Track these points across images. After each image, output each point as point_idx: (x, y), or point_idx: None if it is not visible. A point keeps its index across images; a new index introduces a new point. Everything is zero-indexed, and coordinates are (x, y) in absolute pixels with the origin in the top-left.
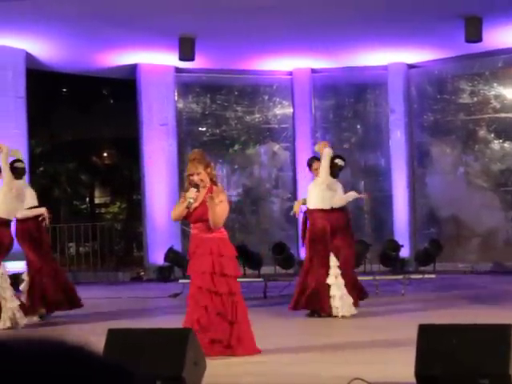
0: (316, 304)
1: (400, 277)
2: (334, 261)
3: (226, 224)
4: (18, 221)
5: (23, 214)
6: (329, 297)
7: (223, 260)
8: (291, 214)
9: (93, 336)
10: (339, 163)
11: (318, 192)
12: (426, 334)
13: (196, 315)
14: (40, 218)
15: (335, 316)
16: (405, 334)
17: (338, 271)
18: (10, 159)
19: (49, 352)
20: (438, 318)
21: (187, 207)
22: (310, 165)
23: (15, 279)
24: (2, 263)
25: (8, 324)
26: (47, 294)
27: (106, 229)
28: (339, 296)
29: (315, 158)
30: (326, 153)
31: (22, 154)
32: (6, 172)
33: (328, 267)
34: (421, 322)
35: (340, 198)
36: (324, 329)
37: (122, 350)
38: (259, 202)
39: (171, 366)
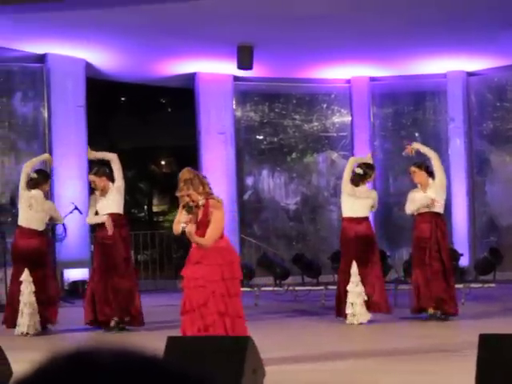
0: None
1: (460, 286)
2: (354, 268)
3: (284, 232)
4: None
5: (90, 220)
6: (345, 303)
7: (234, 266)
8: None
9: (152, 343)
10: (357, 171)
11: (344, 201)
12: (487, 343)
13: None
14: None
15: (351, 323)
16: (465, 344)
17: (358, 279)
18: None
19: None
20: (498, 327)
21: (182, 233)
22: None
23: (75, 286)
24: (26, 270)
25: (25, 330)
26: (100, 305)
27: (164, 237)
28: (359, 303)
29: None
30: (348, 161)
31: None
32: (20, 182)
33: (349, 274)
34: (481, 331)
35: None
36: (382, 336)
37: (181, 357)
38: (317, 210)
39: (230, 374)
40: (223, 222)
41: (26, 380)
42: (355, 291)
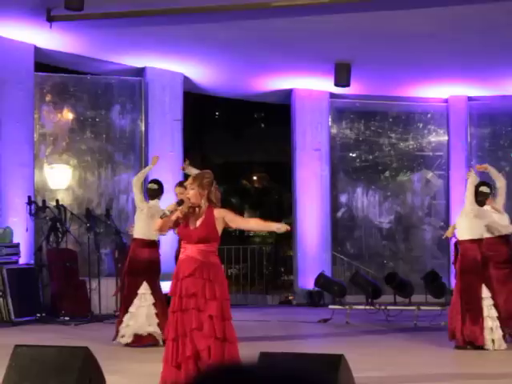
0: (471, 336)
1: None
2: (486, 292)
3: (377, 251)
4: None
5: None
6: (483, 328)
7: (224, 286)
8: (443, 237)
9: (244, 359)
10: (484, 190)
11: (466, 221)
12: None
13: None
14: None
15: (487, 349)
16: None
17: (491, 302)
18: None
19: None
20: None
21: (161, 217)
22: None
23: (167, 299)
24: (145, 283)
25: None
26: None
27: (256, 252)
28: (494, 328)
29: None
30: (469, 181)
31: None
32: (136, 196)
33: (480, 299)
34: None
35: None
36: (476, 360)
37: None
38: (411, 229)
39: None
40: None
41: None
42: (490, 315)
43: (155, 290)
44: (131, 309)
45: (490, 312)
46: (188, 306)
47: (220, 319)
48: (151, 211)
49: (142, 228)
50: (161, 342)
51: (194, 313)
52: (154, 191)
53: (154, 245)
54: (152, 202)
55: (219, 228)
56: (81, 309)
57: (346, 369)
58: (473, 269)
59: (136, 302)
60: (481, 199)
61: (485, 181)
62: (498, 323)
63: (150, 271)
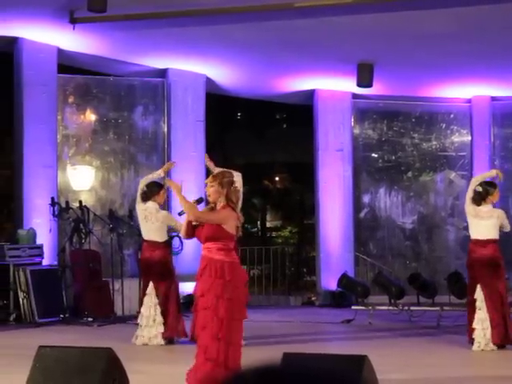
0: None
1: None
2: (478, 293)
3: (400, 251)
4: None
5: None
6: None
7: (230, 285)
8: None
9: (267, 359)
10: (476, 189)
11: (470, 222)
12: None
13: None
14: None
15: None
16: None
17: (480, 304)
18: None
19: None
20: None
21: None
22: None
23: (190, 300)
24: (151, 283)
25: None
26: None
27: (278, 253)
28: (480, 329)
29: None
30: (471, 181)
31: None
32: (137, 197)
33: (473, 299)
34: None
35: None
36: (500, 361)
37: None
38: (434, 230)
39: None
40: (224, 220)
41: None
42: (478, 316)
43: (161, 290)
44: (142, 309)
45: (478, 312)
46: (199, 306)
47: (225, 319)
48: (144, 213)
49: (142, 229)
50: (161, 342)
51: (203, 313)
52: (142, 193)
53: (157, 245)
54: (147, 204)
55: (228, 226)
56: (104, 310)
57: (370, 370)
58: (471, 268)
59: (145, 301)
60: (476, 198)
61: (486, 180)
62: (481, 325)
63: (155, 271)
